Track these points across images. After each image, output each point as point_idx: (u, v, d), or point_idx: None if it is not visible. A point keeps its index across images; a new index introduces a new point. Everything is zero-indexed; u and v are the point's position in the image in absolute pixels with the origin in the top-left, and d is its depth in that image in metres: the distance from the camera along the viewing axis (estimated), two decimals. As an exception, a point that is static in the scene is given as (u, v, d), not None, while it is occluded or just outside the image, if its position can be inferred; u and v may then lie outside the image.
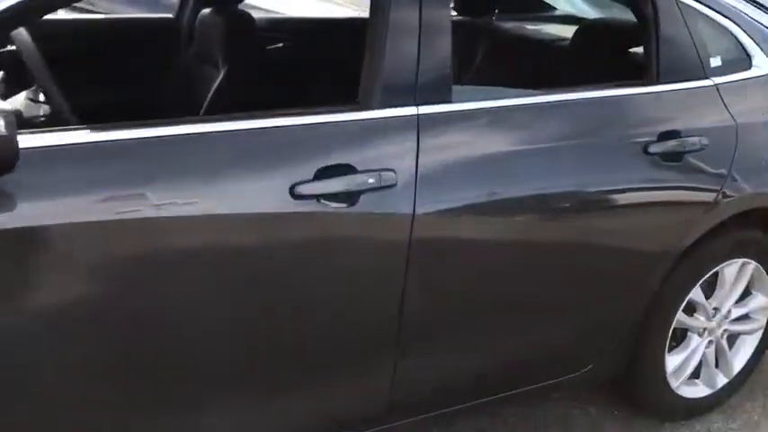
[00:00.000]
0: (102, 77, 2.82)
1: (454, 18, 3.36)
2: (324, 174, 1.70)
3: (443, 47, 1.85)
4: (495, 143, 1.94)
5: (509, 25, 3.40)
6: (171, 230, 1.59)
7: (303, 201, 1.68)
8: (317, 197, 1.70)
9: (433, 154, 1.82)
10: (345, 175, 1.72)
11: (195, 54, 2.90)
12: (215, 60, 2.71)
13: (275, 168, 1.69)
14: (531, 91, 2.03)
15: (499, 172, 1.92)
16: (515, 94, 2.02)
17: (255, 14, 3.28)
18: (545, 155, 1.98)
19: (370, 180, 1.73)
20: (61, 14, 3.17)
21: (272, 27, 3.33)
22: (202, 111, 2.60)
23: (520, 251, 2.00)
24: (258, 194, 1.66)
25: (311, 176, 1.69)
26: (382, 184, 1.75)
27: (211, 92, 2.65)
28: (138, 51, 2.92)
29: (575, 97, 2.08)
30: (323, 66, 3.08)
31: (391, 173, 1.76)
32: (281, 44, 3.30)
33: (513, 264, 2.00)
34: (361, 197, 1.73)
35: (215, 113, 2.41)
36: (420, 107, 1.81)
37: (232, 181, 1.64)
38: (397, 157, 1.78)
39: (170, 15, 3.11)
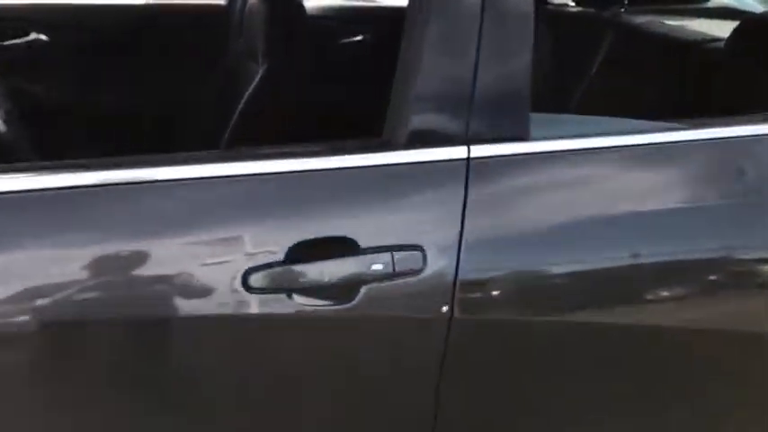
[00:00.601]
0: (135, 72, 2.56)
1: (562, 8, 2.86)
2: (301, 253, 1.15)
3: (520, 52, 1.26)
4: (599, 203, 1.37)
5: (643, 20, 2.81)
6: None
7: (262, 295, 1.13)
8: (287, 291, 1.14)
9: (490, 219, 1.25)
10: (338, 256, 1.16)
11: (241, 48, 2.49)
12: (257, 56, 2.30)
13: (221, 245, 1.15)
14: (661, 124, 1.44)
15: (604, 245, 1.36)
16: (635, 128, 1.42)
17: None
18: (678, 219, 1.42)
19: (376, 265, 1.16)
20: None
21: (351, 17, 2.95)
22: (234, 118, 2.20)
23: (632, 352, 1.43)
24: (191, 285, 1.13)
25: (281, 258, 1.13)
26: (398, 270, 1.18)
27: (246, 95, 2.24)
28: (180, 43, 2.61)
29: (730, 134, 1.48)
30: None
31: (416, 252, 1.19)
32: (359, 37, 2.91)
33: (619, 377, 1.43)
34: (362, 291, 1.17)
35: (248, 123, 2.15)
36: (473, 146, 1.24)
37: (145, 259, 1.11)
38: (429, 226, 1.22)
39: (221, 1, 2.76)
